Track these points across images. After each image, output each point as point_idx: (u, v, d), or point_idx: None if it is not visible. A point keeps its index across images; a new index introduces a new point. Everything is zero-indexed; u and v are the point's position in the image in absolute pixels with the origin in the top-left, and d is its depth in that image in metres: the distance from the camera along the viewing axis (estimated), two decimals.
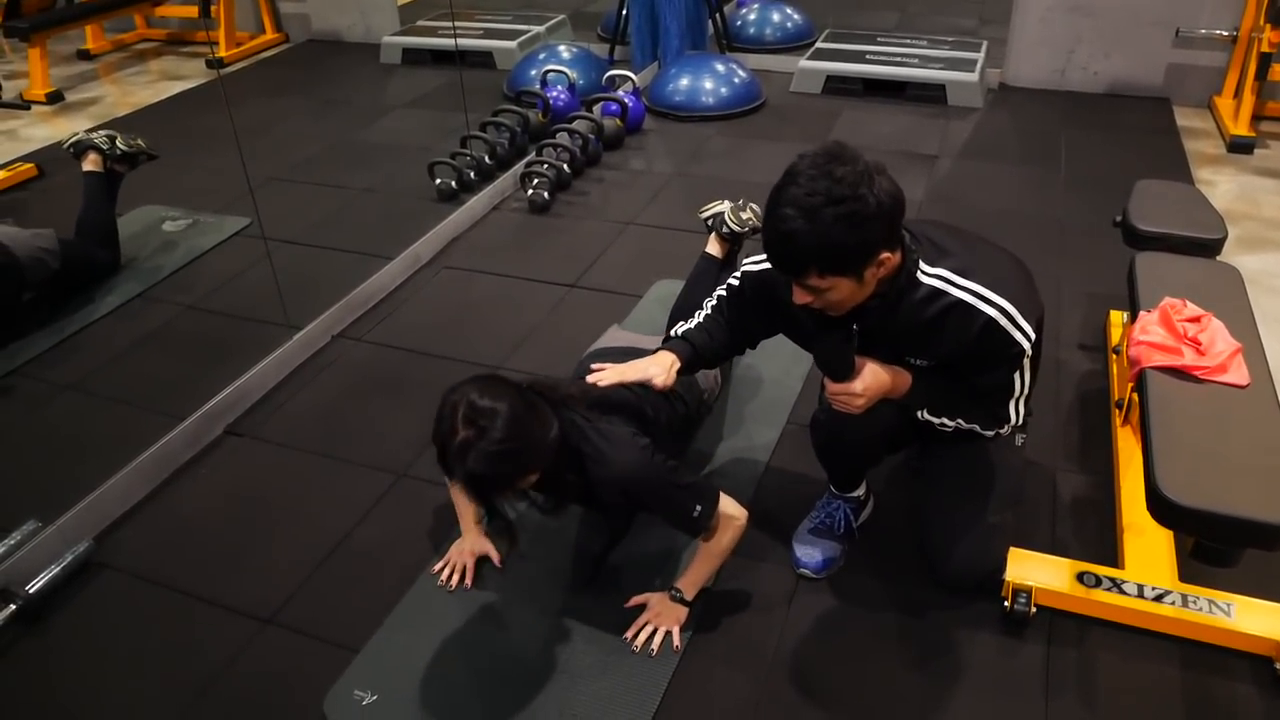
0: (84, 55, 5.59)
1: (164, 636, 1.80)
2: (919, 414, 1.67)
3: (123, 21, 5.82)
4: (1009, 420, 1.66)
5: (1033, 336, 1.50)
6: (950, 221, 1.63)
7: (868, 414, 1.55)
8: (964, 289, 1.47)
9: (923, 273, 1.49)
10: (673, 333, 1.75)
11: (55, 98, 4.82)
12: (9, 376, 2.59)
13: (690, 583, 1.73)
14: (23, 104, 4.49)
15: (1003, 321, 1.47)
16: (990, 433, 1.72)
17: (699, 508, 1.61)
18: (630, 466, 1.60)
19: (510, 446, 1.45)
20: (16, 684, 1.72)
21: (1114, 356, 2.37)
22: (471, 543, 1.89)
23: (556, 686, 1.64)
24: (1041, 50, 4.32)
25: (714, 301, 1.78)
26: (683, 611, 1.73)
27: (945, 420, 1.68)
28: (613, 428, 1.63)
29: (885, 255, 1.40)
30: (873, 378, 1.51)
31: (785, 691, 1.63)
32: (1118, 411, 2.15)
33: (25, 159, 3.92)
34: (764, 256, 1.62)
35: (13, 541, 1.91)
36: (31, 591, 1.83)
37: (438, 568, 1.88)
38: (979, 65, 4.32)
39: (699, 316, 1.77)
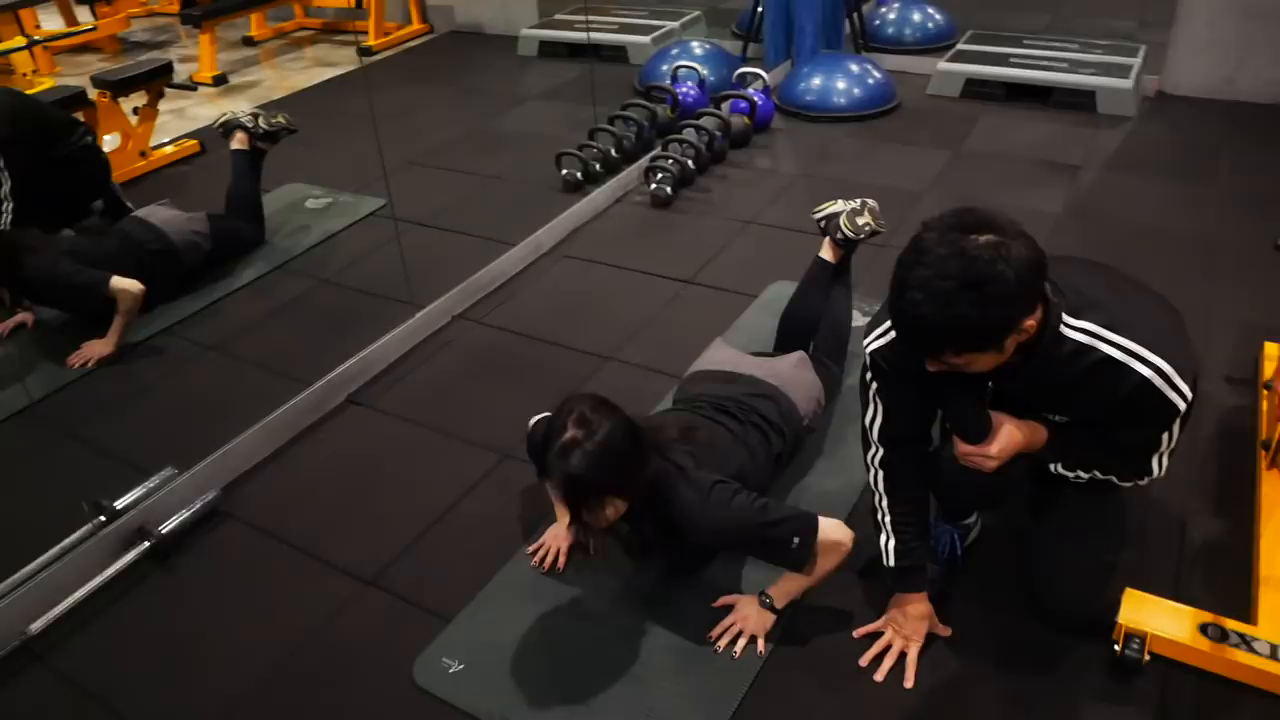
0: (248, 41, 6.01)
1: (274, 586, 1.91)
2: (1052, 467, 1.56)
3: (283, 10, 6.22)
4: (1152, 474, 1.53)
5: (1189, 397, 1.37)
6: (1089, 238, 1.53)
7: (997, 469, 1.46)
8: (1115, 345, 1.35)
9: (1067, 326, 1.37)
10: (890, 561, 1.64)
11: (220, 80, 5.19)
12: (160, 336, 2.81)
13: (783, 592, 1.69)
14: (191, 85, 4.84)
15: (1158, 382, 1.34)
16: (1128, 484, 1.60)
17: (796, 539, 1.57)
18: (718, 519, 1.60)
19: (610, 460, 1.51)
20: (143, 614, 1.87)
21: (1265, 392, 2.18)
22: (566, 528, 1.92)
23: (636, 680, 1.65)
24: (1207, 56, 4.01)
25: (879, 453, 1.63)
26: (769, 618, 1.70)
27: (1080, 473, 1.56)
28: (701, 475, 1.63)
29: (1028, 323, 1.30)
30: (1008, 439, 1.41)
31: (869, 716, 1.58)
32: (1264, 453, 1.98)
33: (191, 136, 4.24)
34: (882, 330, 1.52)
35: (152, 484, 2.08)
36: (164, 532, 1.99)
37: (533, 549, 1.92)
38: (1134, 71, 4.05)
39: (888, 514, 1.63)
